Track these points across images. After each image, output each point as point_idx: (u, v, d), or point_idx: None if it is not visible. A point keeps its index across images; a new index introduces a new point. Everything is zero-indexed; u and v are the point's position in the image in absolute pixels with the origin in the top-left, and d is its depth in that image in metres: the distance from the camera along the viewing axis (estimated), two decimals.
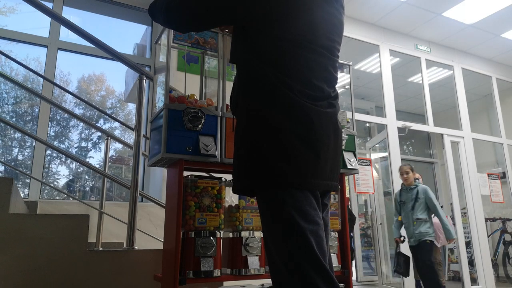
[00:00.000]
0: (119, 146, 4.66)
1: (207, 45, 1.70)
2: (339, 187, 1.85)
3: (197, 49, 1.80)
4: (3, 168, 3.90)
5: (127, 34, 4.88)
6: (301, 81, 1.12)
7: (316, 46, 1.16)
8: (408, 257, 4.10)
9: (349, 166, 1.85)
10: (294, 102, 1.09)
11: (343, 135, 1.87)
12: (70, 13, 4.37)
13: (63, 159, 4.36)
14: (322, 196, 1.18)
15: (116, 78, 4.82)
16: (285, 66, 1.12)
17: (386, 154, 5.25)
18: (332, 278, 0.99)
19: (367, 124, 6.87)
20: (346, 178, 1.98)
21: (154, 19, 1.37)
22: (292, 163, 1.06)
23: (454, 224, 5.15)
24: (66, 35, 4.14)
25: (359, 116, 5.02)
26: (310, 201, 1.06)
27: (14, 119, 4.15)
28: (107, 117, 4.52)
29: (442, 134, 5.58)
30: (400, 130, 5.25)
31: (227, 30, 1.68)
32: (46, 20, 4.04)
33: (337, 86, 1.26)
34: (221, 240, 1.63)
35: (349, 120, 1.99)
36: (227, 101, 1.48)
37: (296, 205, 1.03)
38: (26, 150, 4.26)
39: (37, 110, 3.97)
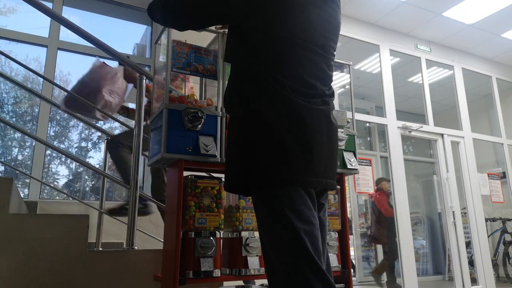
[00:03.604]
0: None
1: (206, 72, 1.69)
2: (338, 186, 1.85)
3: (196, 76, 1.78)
4: (3, 168, 3.90)
5: (127, 34, 4.88)
6: (294, 79, 1.12)
7: (310, 44, 1.16)
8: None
9: (349, 166, 1.85)
10: (286, 100, 1.09)
11: (343, 135, 1.87)
12: (70, 13, 4.37)
13: (63, 159, 4.36)
14: (319, 196, 1.17)
15: None
16: (279, 64, 1.12)
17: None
18: (327, 277, 0.99)
19: (367, 124, 6.86)
20: (346, 178, 1.98)
21: (153, 19, 1.37)
22: (285, 160, 1.06)
23: (454, 224, 5.14)
24: (66, 35, 4.13)
25: (359, 116, 5.00)
26: (305, 201, 1.06)
27: (14, 119, 4.15)
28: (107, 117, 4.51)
29: (442, 134, 5.58)
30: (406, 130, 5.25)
31: (222, 30, 1.68)
32: (46, 20, 4.03)
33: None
34: (221, 240, 1.63)
35: (349, 120, 1.99)
36: None
37: (291, 205, 1.04)
38: (26, 150, 4.26)
39: (37, 110, 3.96)
